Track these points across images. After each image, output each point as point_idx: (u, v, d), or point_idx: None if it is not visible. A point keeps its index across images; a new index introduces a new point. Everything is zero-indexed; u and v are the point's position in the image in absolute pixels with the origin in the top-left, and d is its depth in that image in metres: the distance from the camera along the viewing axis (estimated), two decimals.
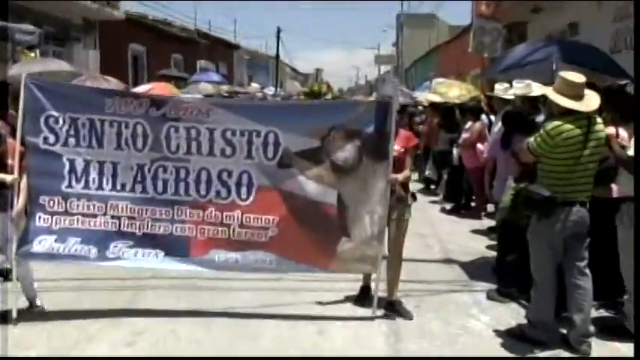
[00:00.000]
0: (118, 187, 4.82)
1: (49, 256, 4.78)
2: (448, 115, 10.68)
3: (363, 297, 5.24)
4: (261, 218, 4.84)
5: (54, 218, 4.76)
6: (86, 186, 4.80)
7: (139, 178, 4.83)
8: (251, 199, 4.84)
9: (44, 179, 4.77)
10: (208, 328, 4.68)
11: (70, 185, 4.79)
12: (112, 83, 9.28)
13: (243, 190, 4.84)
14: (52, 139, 4.74)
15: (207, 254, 4.87)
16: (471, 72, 20.37)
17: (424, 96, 14.09)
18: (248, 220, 4.84)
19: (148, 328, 4.64)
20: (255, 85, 26.23)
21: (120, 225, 4.82)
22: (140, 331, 4.59)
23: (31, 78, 4.77)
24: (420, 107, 14.25)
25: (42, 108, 4.71)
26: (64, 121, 4.74)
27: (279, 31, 44.30)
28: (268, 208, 4.84)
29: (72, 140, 4.76)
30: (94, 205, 4.81)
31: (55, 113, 4.73)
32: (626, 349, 4.28)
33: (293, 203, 4.85)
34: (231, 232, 4.85)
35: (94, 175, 4.80)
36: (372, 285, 5.14)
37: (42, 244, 4.74)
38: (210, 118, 4.79)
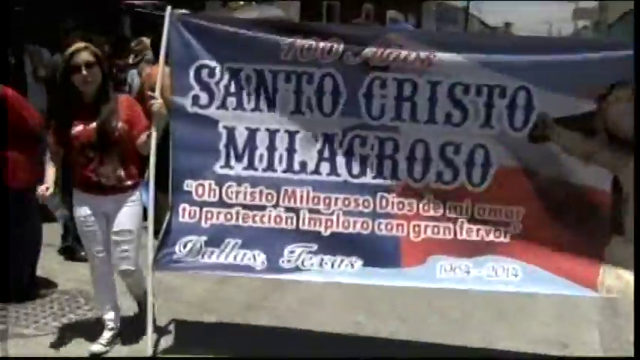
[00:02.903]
0: (296, 166, 3.39)
1: (198, 266, 3.41)
2: None
3: None
4: (501, 210, 3.37)
5: (204, 212, 3.38)
6: (250, 165, 3.38)
7: (325, 154, 3.38)
8: (486, 183, 3.36)
9: (191, 156, 3.38)
10: None
11: (227, 164, 3.37)
12: None
13: (477, 171, 3.36)
14: (204, 98, 3.33)
15: (425, 263, 3.42)
16: None
17: None
18: (482, 212, 3.38)
19: None
20: None
21: (298, 221, 3.40)
22: None
23: (179, 15, 3.35)
24: None
25: (193, 55, 3.31)
26: (222, 74, 3.31)
27: None
28: (511, 196, 3.37)
29: (232, 100, 3.33)
30: (261, 193, 3.39)
31: (211, 63, 3.31)
32: None
33: (547, 190, 3.36)
34: (457, 230, 3.40)
35: (262, 149, 3.37)
36: None
37: (188, 247, 3.37)
38: (432, 67, 3.28)
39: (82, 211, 3.38)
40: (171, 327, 3.80)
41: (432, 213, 3.39)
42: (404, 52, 3.28)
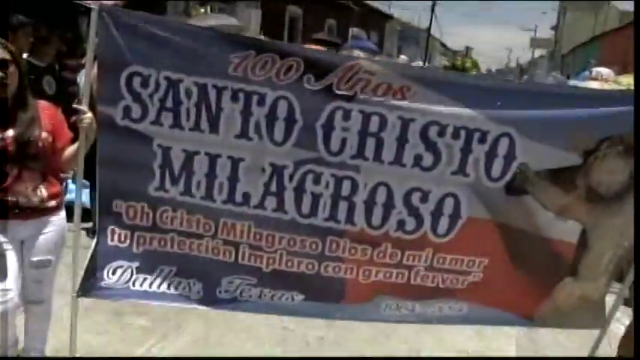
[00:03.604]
0: (238, 198, 2.94)
1: (128, 294, 3.03)
2: None
3: None
4: (462, 260, 3.10)
5: (136, 236, 2.96)
6: (187, 191, 2.92)
7: (272, 188, 2.94)
8: (452, 234, 3.02)
9: (121, 174, 2.89)
10: None
11: (162, 187, 2.91)
12: None
13: (443, 222, 3.00)
14: (137, 111, 2.79)
15: (370, 301, 3.16)
16: None
17: (583, 85, 11.64)
18: (441, 261, 3.09)
19: None
20: (403, 57, 24.44)
21: (237, 255, 3.03)
22: None
23: (108, 7, 2.71)
24: None
25: (124, 60, 2.73)
26: (157, 85, 2.76)
27: (434, 4, 42.67)
28: (476, 247, 3.08)
29: (168, 116, 2.81)
30: (198, 222, 2.96)
31: (145, 70, 2.74)
32: None
33: (514, 241, 3.08)
34: (412, 276, 3.11)
35: (200, 176, 2.91)
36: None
37: (117, 274, 2.99)
38: (405, 102, 2.82)
39: None
40: None
41: (387, 260, 3.06)
42: (374, 81, 2.79)
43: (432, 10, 42.61)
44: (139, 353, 3.66)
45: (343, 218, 2.97)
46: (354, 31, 27.72)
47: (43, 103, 3.00)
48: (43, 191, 2.86)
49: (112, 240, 2.94)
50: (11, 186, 2.77)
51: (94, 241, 2.97)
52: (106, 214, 2.92)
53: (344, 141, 2.87)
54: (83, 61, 5.98)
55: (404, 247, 3.02)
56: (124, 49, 2.71)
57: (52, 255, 2.97)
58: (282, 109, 2.82)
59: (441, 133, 2.85)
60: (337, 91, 2.80)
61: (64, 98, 5.45)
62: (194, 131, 2.84)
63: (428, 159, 2.88)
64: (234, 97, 2.80)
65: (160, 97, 2.78)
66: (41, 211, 2.88)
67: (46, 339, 3.17)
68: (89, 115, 2.76)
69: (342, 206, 2.96)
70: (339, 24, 27.08)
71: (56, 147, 2.89)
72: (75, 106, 2.81)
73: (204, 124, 2.83)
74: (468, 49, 60.35)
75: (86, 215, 3.40)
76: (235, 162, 2.89)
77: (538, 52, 59.03)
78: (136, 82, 2.75)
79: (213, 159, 2.89)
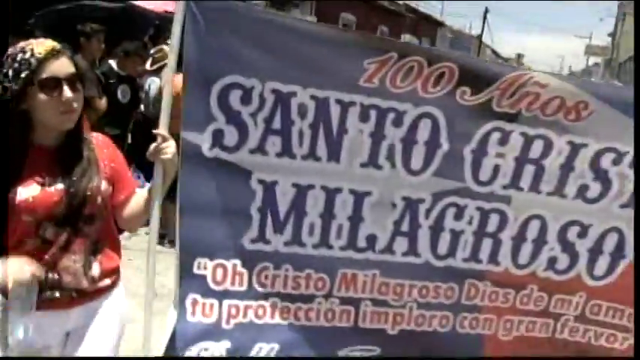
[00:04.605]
0: (361, 242, 2.28)
1: None
2: None
3: None
4: (623, 312, 2.51)
5: (226, 306, 2.23)
6: (295, 240, 2.24)
7: (404, 227, 2.29)
8: (611, 277, 2.47)
9: (207, 223, 2.16)
10: None
11: (261, 237, 2.21)
12: None
13: (602, 261, 2.44)
14: (232, 136, 2.09)
15: None
16: None
17: None
18: (596, 310, 2.51)
19: None
20: None
21: (357, 317, 2.35)
22: None
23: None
24: None
25: (216, 66, 2.04)
26: (261, 100, 2.08)
27: (486, 11, 42.68)
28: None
29: (276, 142, 2.13)
30: (308, 279, 2.27)
31: (245, 81, 2.05)
32: None
33: None
34: (559, 328, 2.50)
35: (313, 216, 2.22)
36: None
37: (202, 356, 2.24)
38: (579, 123, 2.23)
39: (21, 335, 1.87)
40: None
41: (531, 307, 2.46)
42: (545, 96, 2.17)
43: (485, 17, 42.13)
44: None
45: (486, 257, 2.39)
46: (405, 38, 28.20)
47: (99, 137, 2.13)
48: (96, 267, 2.04)
49: (194, 314, 2.20)
50: (55, 259, 1.94)
51: (170, 313, 2.25)
52: (187, 278, 2.18)
53: (496, 168, 2.28)
54: (148, 67, 5.98)
55: (552, 290, 2.46)
56: (218, 53, 2.04)
57: (111, 351, 2.17)
58: (423, 131, 2.18)
59: (617, 162, 2.31)
60: (497, 109, 2.18)
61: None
62: (308, 159, 2.17)
63: (594, 190, 2.35)
64: (364, 116, 2.14)
65: (265, 117, 2.10)
66: (92, 295, 2.06)
67: None
68: (172, 143, 2.06)
69: (486, 244, 2.37)
70: (391, 31, 27.07)
71: (117, 200, 2.10)
72: (155, 131, 2.06)
73: (321, 151, 2.17)
74: (519, 56, 59.65)
75: None
76: (359, 197, 2.24)
77: (592, 60, 57.98)
78: (234, 97, 2.06)
79: (331, 194, 2.22)
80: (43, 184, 1.92)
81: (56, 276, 1.96)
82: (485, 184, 2.28)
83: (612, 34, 50.05)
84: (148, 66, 5.99)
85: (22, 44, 1.87)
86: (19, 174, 1.89)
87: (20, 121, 1.87)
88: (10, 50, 1.87)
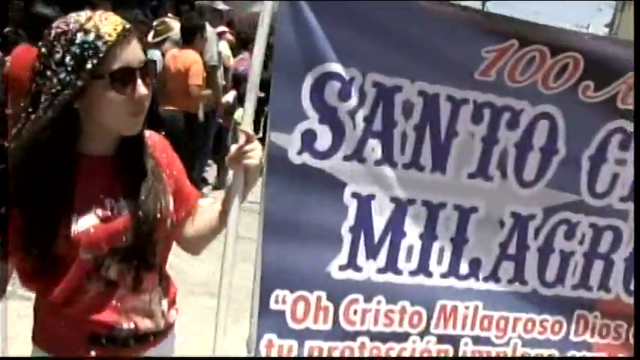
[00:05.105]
0: (463, 267, 1.93)
1: None
2: None
3: None
4: None
5: (307, 347, 1.79)
6: (390, 266, 1.85)
7: (511, 249, 1.96)
8: None
9: (289, 247, 1.74)
10: None
11: (351, 263, 1.80)
12: None
13: None
14: (325, 138, 1.70)
15: None
16: None
17: None
18: None
19: None
20: None
21: (456, 357, 1.98)
22: None
23: None
24: None
25: (309, 53, 1.65)
26: (361, 95, 1.71)
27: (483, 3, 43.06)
28: None
29: (375, 146, 1.76)
30: (402, 313, 1.88)
31: (344, 71, 1.68)
32: None
33: None
34: None
35: (413, 237, 1.86)
36: None
37: None
38: None
39: None
40: None
41: None
42: None
43: (482, 7, 43.06)
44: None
45: (596, 283, 2.08)
46: None
47: (154, 138, 1.63)
48: (164, 302, 1.60)
49: (267, 354, 1.77)
50: (124, 303, 1.48)
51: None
52: (262, 314, 1.74)
53: (615, 177, 1.99)
54: (150, 39, 5.60)
55: None
56: (312, 37, 1.65)
57: None
58: (540, 133, 1.88)
59: None
60: (622, 106, 1.91)
61: None
62: (410, 169, 1.81)
63: None
64: (477, 116, 1.82)
65: (366, 115, 1.73)
66: (165, 332, 1.62)
67: None
68: (259, 145, 1.63)
69: (597, 267, 2.07)
70: None
71: (178, 217, 1.63)
72: (241, 129, 1.63)
73: (425, 158, 1.82)
74: None
75: None
76: (465, 214, 1.89)
77: None
78: (330, 90, 1.69)
79: (434, 211, 1.87)
80: (104, 209, 1.42)
81: (132, 325, 1.47)
82: (601, 197, 2.00)
83: (610, 25, 52.73)
84: (150, 38, 5.69)
85: (77, 18, 1.35)
86: (68, 196, 1.37)
87: (69, 123, 1.36)
88: (62, 25, 1.34)
